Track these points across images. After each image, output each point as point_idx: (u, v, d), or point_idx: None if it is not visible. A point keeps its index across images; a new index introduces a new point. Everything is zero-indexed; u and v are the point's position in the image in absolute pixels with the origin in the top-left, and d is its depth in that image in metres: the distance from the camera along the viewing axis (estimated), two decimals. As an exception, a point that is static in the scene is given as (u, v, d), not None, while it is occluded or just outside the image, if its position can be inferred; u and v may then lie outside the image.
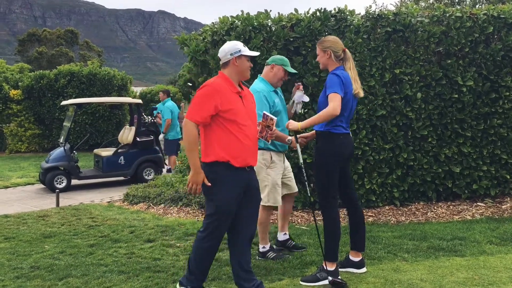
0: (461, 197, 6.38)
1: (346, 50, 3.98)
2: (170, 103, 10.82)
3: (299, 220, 5.99)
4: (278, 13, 6.44)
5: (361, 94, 3.96)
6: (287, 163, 4.79)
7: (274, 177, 4.47)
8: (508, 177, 6.33)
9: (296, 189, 4.85)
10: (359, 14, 6.42)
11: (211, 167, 3.45)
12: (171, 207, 6.92)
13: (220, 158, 3.42)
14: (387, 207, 6.30)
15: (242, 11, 6.46)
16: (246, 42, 6.22)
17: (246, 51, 3.56)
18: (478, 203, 6.24)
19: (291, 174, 4.83)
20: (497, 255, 4.41)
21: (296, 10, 6.46)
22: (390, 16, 6.12)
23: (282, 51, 6.14)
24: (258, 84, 4.49)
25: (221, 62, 3.61)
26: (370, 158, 6.20)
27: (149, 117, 11.88)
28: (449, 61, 6.13)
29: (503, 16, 6.12)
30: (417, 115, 6.19)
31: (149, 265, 4.55)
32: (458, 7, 6.88)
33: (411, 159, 6.22)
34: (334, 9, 6.29)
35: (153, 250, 5.02)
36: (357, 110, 6.16)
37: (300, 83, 4.58)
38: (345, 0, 6.94)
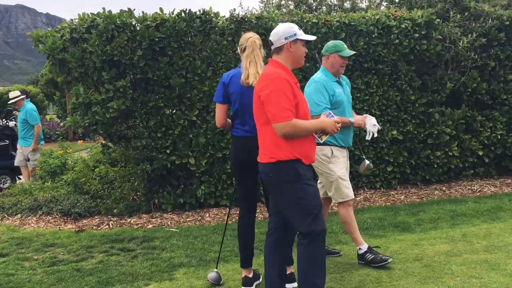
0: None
1: (250, 38, 3.66)
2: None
3: (169, 223, 5.93)
4: (142, 12, 6.30)
5: (250, 81, 3.51)
6: (347, 163, 4.40)
7: (338, 171, 4.13)
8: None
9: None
10: (224, 16, 6.54)
11: (287, 164, 3.08)
12: (29, 217, 6.38)
13: (291, 156, 3.08)
14: (255, 205, 6.50)
15: (103, 9, 6.20)
16: (108, 41, 5.99)
17: (302, 35, 3.22)
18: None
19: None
20: (351, 244, 4.73)
21: (161, 9, 6.37)
22: (253, 20, 6.32)
23: (147, 51, 6.03)
24: (318, 74, 4.21)
25: (272, 47, 3.24)
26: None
27: (5, 120, 10.89)
28: (307, 64, 6.52)
29: (353, 23, 6.67)
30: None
31: (1, 281, 4.15)
32: (315, 14, 7.35)
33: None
34: (199, 10, 6.33)
35: (6, 265, 4.59)
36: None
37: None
38: (211, 2, 7.01)
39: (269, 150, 3.12)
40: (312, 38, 3.29)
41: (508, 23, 7.19)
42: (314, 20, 6.51)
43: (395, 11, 7.09)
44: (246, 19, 6.35)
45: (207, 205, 6.46)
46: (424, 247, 4.62)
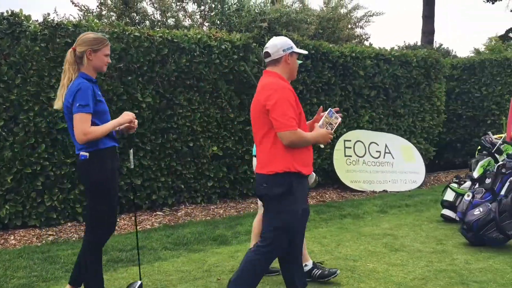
0: (142, 208, 6.70)
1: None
2: None
3: (-37, 249, 5.17)
4: None
5: (55, 105, 3.38)
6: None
7: None
8: (183, 186, 6.99)
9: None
10: (37, 20, 6.04)
11: (282, 178, 3.13)
12: None
13: (291, 167, 3.13)
14: (69, 224, 6.09)
15: None
16: None
17: (296, 48, 3.37)
18: (157, 212, 6.67)
19: None
20: (170, 259, 4.78)
21: (-41, 6, 5.61)
22: (69, 27, 5.96)
23: None
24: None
25: (269, 59, 3.33)
26: (51, 173, 5.90)
27: None
28: (129, 78, 6.38)
29: (176, 40, 6.75)
30: (99, 129, 6.20)
31: None
32: (138, 28, 7.26)
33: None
34: (7, 11, 5.73)
35: None
36: (35, 123, 5.79)
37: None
38: (21, 5, 6.43)
39: (269, 161, 3.18)
40: (304, 52, 3.51)
41: (313, 51, 8.05)
42: (137, 34, 6.41)
43: (216, 32, 7.39)
44: (62, 26, 5.96)
45: (13, 227, 5.82)
46: (239, 258, 4.82)
